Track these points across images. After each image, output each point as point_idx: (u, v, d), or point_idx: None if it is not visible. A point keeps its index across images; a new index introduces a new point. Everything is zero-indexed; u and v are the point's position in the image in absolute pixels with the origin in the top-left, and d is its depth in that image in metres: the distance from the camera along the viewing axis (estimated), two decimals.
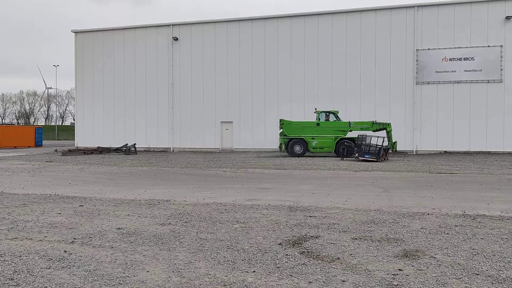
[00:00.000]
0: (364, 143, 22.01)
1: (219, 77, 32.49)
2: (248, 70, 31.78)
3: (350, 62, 29.67)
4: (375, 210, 8.04)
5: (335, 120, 25.74)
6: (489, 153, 26.67)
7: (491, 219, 7.19)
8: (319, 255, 5.10)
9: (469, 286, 4.08)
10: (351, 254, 5.13)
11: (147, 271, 4.55)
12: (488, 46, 27.37)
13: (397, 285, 4.10)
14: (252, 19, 32.12)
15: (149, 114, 34.21)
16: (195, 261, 4.92)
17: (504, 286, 4.08)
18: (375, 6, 29.74)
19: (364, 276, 4.34)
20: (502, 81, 27.17)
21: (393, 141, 24.36)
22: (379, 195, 10.10)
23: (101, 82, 35.34)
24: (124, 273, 4.49)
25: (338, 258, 4.97)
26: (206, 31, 32.94)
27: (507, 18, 26.93)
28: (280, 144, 26.04)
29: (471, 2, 27.80)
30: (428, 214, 7.66)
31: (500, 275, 4.38)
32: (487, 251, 5.26)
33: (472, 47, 27.63)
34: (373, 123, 24.93)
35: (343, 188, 11.34)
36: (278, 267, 4.67)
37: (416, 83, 28.51)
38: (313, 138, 25.24)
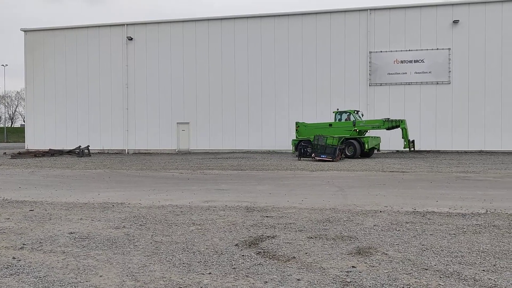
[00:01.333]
0: (320, 143, 22.34)
1: (175, 77, 32.18)
2: (204, 71, 31.65)
3: (306, 63, 30.07)
4: (330, 209, 8.18)
5: (348, 120, 25.10)
6: (438, 152, 27.66)
7: (439, 216, 7.45)
8: (275, 255, 5.13)
9: (419, 281, 4.22)
10: (306, 253, 5.19)
11: (100, 276, 4.45)
12: (437, 49, 28.41)
13: (350, 282, 4.19)
14: (208, 20, 32.00)
15: (103, 115, 33.45)
16: (150, 264, 4.84)
17: (451, 280, 4.25)
18: (330, 9, 30.29)
19: (319, 274, 4.41)
20: (450, 83, 28.25)
21: (409, 139, 23.99)
22: (335, 194, 10.28)
23: (53, 83, 34.27)
24: (76, 279, 4.37)
25: (294, 257, 5.02)
26: (162, 31, 32.56)
27: (455, 22, 28.04)
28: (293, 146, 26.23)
29: (421, 6, 28.78)
30: (381, 211, 7.87)
31: (447, 270, 4.55)
32: (436, 247, 5.46)
33: (422, 50, 28.60)
34: (384, 121, 24.19)
35: (300, 188, 11.48)
36: (234, 268, 4.67)
37: (370, 85, 29.23)
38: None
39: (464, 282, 4.17)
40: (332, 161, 21.44)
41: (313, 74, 29.95)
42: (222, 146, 31.20)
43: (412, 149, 24.28)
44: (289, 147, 29.49)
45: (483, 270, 4.54)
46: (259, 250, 5.35)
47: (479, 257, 5.03)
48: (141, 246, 5.60)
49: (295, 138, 26.42)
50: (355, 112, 25.54)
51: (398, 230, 6.39)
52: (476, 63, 28.01)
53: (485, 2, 28.19)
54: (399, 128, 24.43)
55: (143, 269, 4.66)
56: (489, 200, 9.11)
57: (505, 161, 21.04)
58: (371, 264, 4.74)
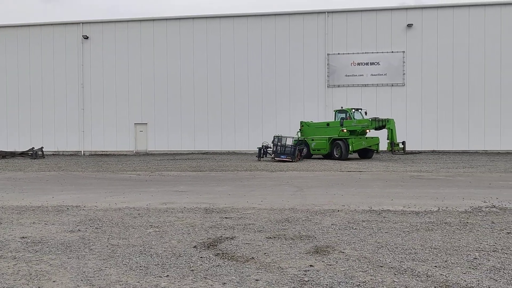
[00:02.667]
0: (280, 143, 22.50)
1: (133, 77, 31.66)
2: (162, 71, 31.28)
3: (265, 64, 30.22)
4: (289, 209, 8.24)
5: (346, 119, 23.64)
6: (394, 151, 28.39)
7: (394, 214, 7.65)
8: (234, 256, 5.12)
9: (374, 278, 4.31)
10: (265, 253, 5.21)
11: (54, 281, 4.31)
12: (392, 52, 29.18)
13: (308, 280, 4.23)
14: (166, 19, 31.65)
15: (58, 116, 32.50)
16: (105, 268, 4.73)
17: (405, 276, 4.36)
18: (288, 11, 30.55)
19: (277, 274, 4.43)
20: (404, 85, 29.08)
21: (397, 141, 22.78)
22: (294, 194, 10.37)
23: (4, 82, 33.00)
24: (28, 285, 4.21)
25: (253, 258, 5.03)
26: (119, 30, 31.95)
27: (408, 26, 28.89)
28: None
29: (376, 10, 29.48)
30: (338, 210, 7.99)
31: (401, 266, 4.67)
32: (391, 244, 5.59)
33: (377, 52, 29.30)
34: (372, 120, 22.82)
35: (259, 189, 11.51)
36: (192, 270, 4.62)
37: (328, 86, 29.69)
38: (312, 140, 24.21)
39: (417, 278, 4.29)
40: (292, 161, 21.63)
41: (272, 75, 30.13)
42: (181, 147, 30.92)
43: (397, 151, 23.15)
44: (249, 148, 29.58)
45: (435, 266, 4.68)
46: (218, 252, 5.32)
47: (431, 253, 5.19)
48: (97, 250, 5.46)
49: (297, 137, 25.35)
50: (356, 110, 24.09)
51: (355, 228, 6.51)
52: (429, 65, 28.94)
53: (438, 7, 29.20)
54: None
55: (98, 273, 4.54)
56: (441, 198, 9.42)
57: (456, 160, 21.84)
58: (329, 263, 4.81)
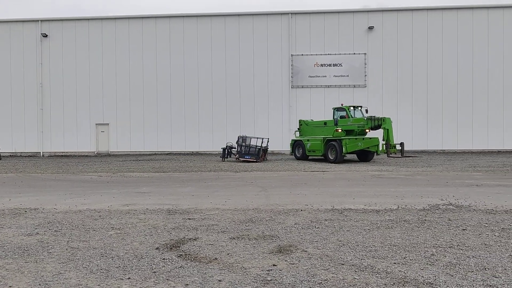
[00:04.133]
0: (244, 144, 22.53)
1: (94, 77, 31.00)
2: (125, 70, 30.77)
3: (229, 64, 30.18)
4: (253, 209, 8.26)
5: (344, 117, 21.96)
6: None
7: (356, 212, 7.79)
8: (197, 257, 5.10)
9: (335, 275, 4.38)
10: (228, 254, 5.21)
11: (10, 286, 4.17)
12: (354, 53, 29.69)
13: (271, 280, 4.26)
14: (129, 18, 31.15)
15: (15, 116, 31.46)
16: (65, 271, 4.62)
17: (365, 273, 4.45)
18: (252, 11, 30.62)
19: (240, 274, 4.44)
20: (366, 86, 29.64)
21: (394, 142, 20.66)
22: (258, 194, 10.40)
23: None
24: None
25: (216, 259, 5.02)
26: (79, 28, 31.22)
27: (370, 28, 29.47)
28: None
29: (338, 12, 29.94)
30: (302, 210, 8.07)
31: (362, 264, 4.77)
32: (352, 242, 5.70)
33: (340, 54, 29.75)
34: (367, 119, 20.94)
35: (223, 189, 11.49)
36: (154, 272, 4.57)
37: (292, 87, 29.92)
38: (308, 140, 22.62)
39: (377, 275, 4.39)
40: (256, 161, 21.69)
41: (236, 75, 30.12)
42: (144, 148, 30.51)
43: (393, 154, 20.96)
44: (212, 148, 29.48)
45: (394, 263, 4.80)
46: (181, 253, 5.28)
47: (391, 250, 5.31)
48: (56, 253, 5.32)
49: (295, 137, 24.25)
50: (355, 108, 22.25)
51: (317, 227, 6.60)
52: (390, 67, 29.61)
53: (398, 10, 29.89)
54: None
55: (57, 277, 4.43)
56: (400, 197, 9.66)
57: (415, 159, 22.42)
58: (291, 262, 4.85)
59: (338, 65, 29.86)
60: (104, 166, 20.32)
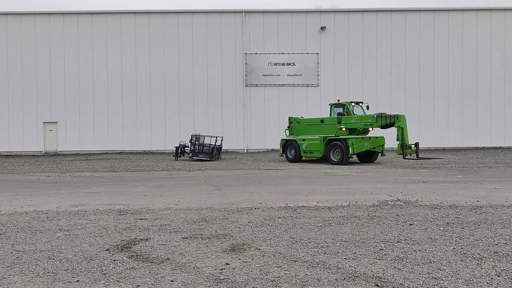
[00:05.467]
0: (198, 142, 22.36)
1: (41, 74, 29.86)
2: (74, 68, 29.82)
3: (182, 62, 29.86)
4: (206, 208, 8.22)
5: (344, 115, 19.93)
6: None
7: (308, 209, 7.90)
8: (148, 258, 5.01)
9: (288, 272, 4.43)
10: (181, 254, 5.16)
11: None
12: (307, 53, 30.08)
13: (224, 279, 4.25)
14: (77, 13, 30.18)
15: None
16: (9, 276, 4.43)
17: (317, 269, 4.52)
18: (206, 9, 30.42)
19: (193, 274, 4.40)
20: (319, 86, 30.11)
21: (406, 142, 18.07)
22: (211, 193, 10.36)
23: None
24: None
25: (168, 259, 4.96)
26: (26, 23, 29.97)
27: (322, 28, 29.95)
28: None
29: (292, 12, 30.24)
30: (256, 208, 8.11)
31: (314, 260, 4.84)
32: (304, 239, 5.77)
33: (293, 53, 30.05)
34: (377, 116, 18.74)
35: (176, 189, 11.36)
36: (104, 274, 4.46)
37: (246, 85, 29.97)
38: (303, 140, 20.48)
39: (328, 271, 4.47)
40: (210, 160, 21.59)
41: (189, 73, 29.83)
42: (94, 147, 29.69)
43: (409, 155, 18.52)
44: (165, 147, 29.10)
45: (345, 258, 4.91)
46: (132, 254, 5.18)
47: (342, 246, 5.43)
48: (0, 257, 5.10)
49: (285, 136, 21.99)
50: (356, 104, 20.57)
51: (271, 225, 6.64)
52: (341, 67, 30.20)
53: (349, 11, 30.52)
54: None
55: (1, 282, 4.24)
56: (351, 194, 9.89)
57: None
58: (245, 260, 4.86)
59: (292, 64, 30.15)
60: (52, 166, 19.64)
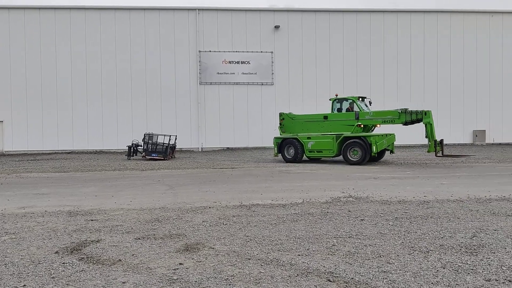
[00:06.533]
0: (151, 141, 22.01)
1: None
2: (20, 64, 28.63)
3: (134, 59, 29.29)
4: (160, 208, 8.12)
5: (353, 111, 18.68)
6: (264, 148, 29.49)
7: (263, 207, 7.95)
8: (99, 260, 4.90)
9: (242, 270, 4.44)
10: (133, 255, 5.07)
11: None
12: (261, 52, 30.22)
13: (177, 279, 4.21)
14: (24, 8, 29.00)
15: None
16: None
17: (271, 266, 4.56)
18: (159, 6, 29.97)
19: (145, 275, 4.34)
20: (273, 84, 30.32)
21: (436, 138, 17.16)
22: (165, 192, 10.23)
23: None
24: None
25: (120, 260, 4.86)
26: None
27: (276, 27, 30.17)
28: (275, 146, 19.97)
29: (246, 10, 30.28)
30: (210, 207, 8.07)
31: (268, 257, 4.88)
32: (259, 237, 5.81)
33: (248, 51, 30.11)
34: (401, 112, 17.54)
35: (129, 188, 11.15)
36: (53, 278, 4.32)
37: (200, 83, 29.77)
38: (309, 138, 18.86)
39: (282, 268, 4.51)
40: (164, 159, 21.32)
41: (142, 70, 29.29)
42: (43, 147, 28.64)
43: (440, 153, 17.27)
44: (117, 146, 28.47)
45: (299, 255, 4.97)
46: (82, 256, 5.05)
47: (295, 243, 5.50)
48: None
49: (278, 135, 20.32)
50: (360, 99, 19.27)
51: (225, 224, 6.64)
52: (295, 66, 30.53)
53: (302, 11, 30.90)
54: (418, 124, 17.92)
55: None
56: (305, 191, 10.03)
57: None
58: (198, 260, 4.83)
59: (246, 62, 30.21)
60: None
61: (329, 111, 19.74)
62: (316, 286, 4.01)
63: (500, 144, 29.93)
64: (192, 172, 15.56)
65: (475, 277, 4.22)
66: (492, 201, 8.29)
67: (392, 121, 17.81)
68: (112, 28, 29.20)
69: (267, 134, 30.00)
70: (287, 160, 19.32)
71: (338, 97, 19.65)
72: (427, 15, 31.35)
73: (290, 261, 4.73)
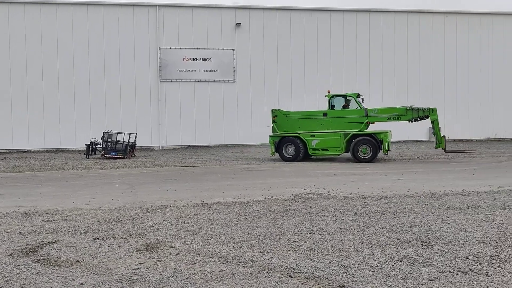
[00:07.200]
0: (110, 139, 21.56)
1: None
2: None
3: (93, 55, 28.62)
4: (119, 207, 7.98)
5: (355, 108, 18.32)
6: (226, 146, 29.45)
7: (225, 206, 7.95)
8: (56, 261, 4.77)
9: (203, 269, 4.43)
10: (91, 255, 4.96)
11: None
12: (223, 49, 30.12)
13: (137, 279, 4.16)
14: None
15: None
16: None
17: (232, 264, 4.57)
18: (118, 1, 29.35)
19: (104, 276, 4.26)
20: (235, 82, 30.28)
21: (441, 135, 17.55)
22: (125, 192, 10.06)
23: None
24: None
25: (78, 261, 4.75)
26: None
27: (237, 25, 30.14)
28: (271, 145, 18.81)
29: (207, 7, 30.09)
30: (171, 206, 8.00)
31: (229, 255, 4.88)
32: (220, 235, 5.80)
33: (209, 49, 29.94)
34: (408, 109, 17.68)
35: (87, 188, 10.90)
36: (7, 281, 4.18)
37: (160, 81, 29.39)
38: (312, 136, 18.16)
39: (243, 265, 4.53)
40: (123, 158, 20.94)
41: (101, 67, 28.64)
42: None
43: (443, 147, 17.61)
44: (75, 145, 27.74)
45: (260, 252, 5.00)
46: (38, 258, 4.91)
47: (257, 240, 5.52)
48: None
49: (272, 133, 19.01)
50: (357, 96, 18.82)
51: (187, 222, 6.59)
52: (257, 64, 30.60)
53: (263, 9, 30.96)
54: (421, 121, 18.41)
55: None
56: (267, 188, 10.09)
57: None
58: (159, 259, 4.78)
59: (208, 60, 30.03)
60: None
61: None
62: (277, 282, 4.05)
63: (454, 140, 30.96)
64: (153, 170, 15.36)
65: (430, 269, 4.36)
66: (446, 196, 8.58)
67: (398, 118, 17.83)
68: (69, 24, 28.42)
69: (229, 132, 30.01)
70: (286, 159, 18.32)
71: (336, 94, 19.13)
72: (372, 15, 32.09)
73: (251, 258, 4.74)
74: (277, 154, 18.69)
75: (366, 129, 18.07)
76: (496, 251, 4.90)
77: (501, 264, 4.49)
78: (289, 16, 30.99)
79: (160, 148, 29.07)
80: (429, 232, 5.79)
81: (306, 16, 31.20)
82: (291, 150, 18.39)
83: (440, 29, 32.22)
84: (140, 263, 4.63)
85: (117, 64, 28.83)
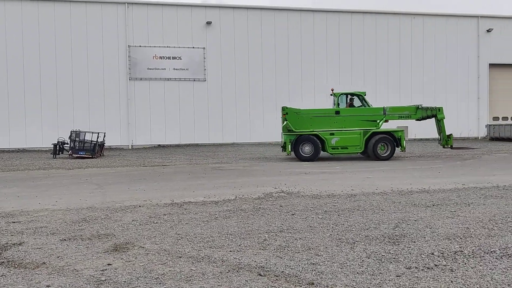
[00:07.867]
0: (78, 139, 21.15)
1: None
2: None
3: (60, 53, 28.00)
4: (87, 208, 7.84)
5: (361, 106, 18.40)
6: (197, 145, 29.30)
7: (195, 205, 7.91)
8: (21, 263, 4.66)
9: (173, 269, 4.40)
10: (58, 257, 4.86)
11: None
12: (193, 47, 29.94)
13: (105, 280, 4.10)
14: None
15: None
16: None
17: (202, 264, 4.55)
18: None
19: (72, 277, 4.18)
20: (205, 80, 30.15)
21: (447, 133, 18.25)
22: (93, 192, 9.89)
23: None
24: None
25: (44, 263, 4.65)
26: None
27: (208, 23, 30.01)
28: (284, 143, 17.92)
29: (177, 5, 29.84)
30: (140, 206, 7.91)
31: (199, 255, 4.87)
32: (190, 235, 5.77)
33: (179, 47, 29.72)
34: (417, 108, 18.18)
35: (54, 188, 10.66)
36: None
37: (130, 79, 29.01)
38: (332, 134, 17.72)
39: (213, 264, 4.52)
40: (92, 157, 20.58)
41: (68, 65, 28.04)
42: None
43: (450, 145, 18.34)
44: (42, 144, 27.08)
45: (230, 251, 5.00)
46: (3, 260, 4.78)
47: (227, 239, 5.52)
48: None
49: (286, 131, 18.04)
50: (364, 94, 18.94)
51: (156, 222, 6.54)
52: (228, 62, 30.54)
53: (234, 7, 30.94)
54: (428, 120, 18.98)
55: None
56: (238, 187, 10.09)
57: (252, 152, 23.59)
58: (128, 259, 4.73)
59: (178, 58, 29.80)
60: None
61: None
62: (247, 281, 4.06)
63: (421, 139, 31.65)
64: (122, 170, 15.15)
65: (397, 265, 4.45)
66: (413, 193, 8.78)
67: (408, 117, 18.37)
68: (35, 20, 27.72)
69: (199, 131, 29.86)
70: (302, 159, 17.57)
71: (343, 92, 19.13)
72: (330, 15, 32.53)
73: (221, 258, 4.74)
74: (286, 153, 17.98)
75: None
76: (460, 247, 5.04)
77: (465, 259, 4.63)
78: (259, 15, 31.06)
79: (130, 148, 28.70)
80: (396, 229, 5.91)
81: (277, 15, 31.34)
82: (307, 149, 17.66)
83: (443, 30, 32.94)
84: (109, 264, 4.57)
85: (85, 62, 28.31)
